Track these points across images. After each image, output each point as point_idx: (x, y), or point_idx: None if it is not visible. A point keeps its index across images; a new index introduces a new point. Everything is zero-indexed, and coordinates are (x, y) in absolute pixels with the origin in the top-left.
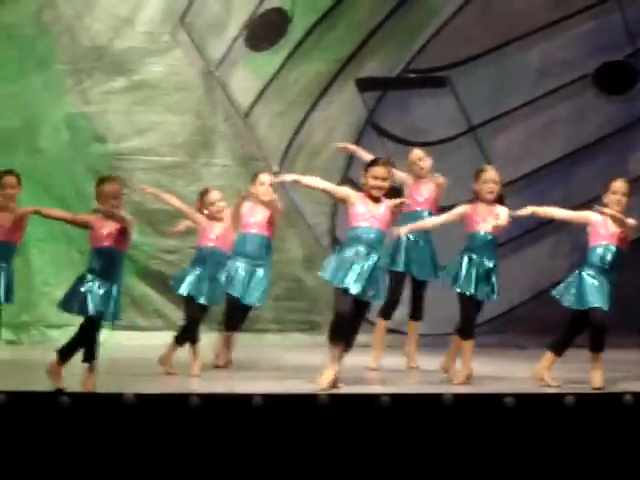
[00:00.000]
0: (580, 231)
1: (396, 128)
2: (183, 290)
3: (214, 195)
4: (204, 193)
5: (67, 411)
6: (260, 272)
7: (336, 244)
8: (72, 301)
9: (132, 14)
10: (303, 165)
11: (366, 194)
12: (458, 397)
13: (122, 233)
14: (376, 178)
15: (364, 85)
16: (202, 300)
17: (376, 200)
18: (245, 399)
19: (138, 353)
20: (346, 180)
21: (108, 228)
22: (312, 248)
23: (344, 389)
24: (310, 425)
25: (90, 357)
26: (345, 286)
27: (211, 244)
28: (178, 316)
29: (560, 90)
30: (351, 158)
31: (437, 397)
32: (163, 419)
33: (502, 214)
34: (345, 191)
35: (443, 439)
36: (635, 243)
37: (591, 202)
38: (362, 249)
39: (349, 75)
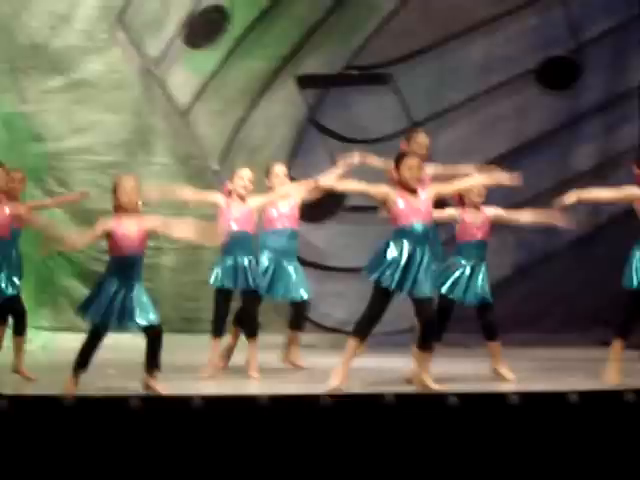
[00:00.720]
0: (525, 228)
1: (337, 125)
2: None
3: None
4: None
5: (4, 413)
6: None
7: None
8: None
9: (69, 12)
10: (243, 163)
11: (403, 188)
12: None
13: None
14: (411, 168)
15: (305, 82)
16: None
17: (414, 192)
18: (185, 401)
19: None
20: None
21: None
22: None
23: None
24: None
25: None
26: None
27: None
28: None
29: (503, 86)
30: (292, 157)
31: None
32: (103, 421)
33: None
34: (383, 190)
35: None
36: (579, 241)
37: (535, 198)
38: (410, 247)
39: (290, 72)
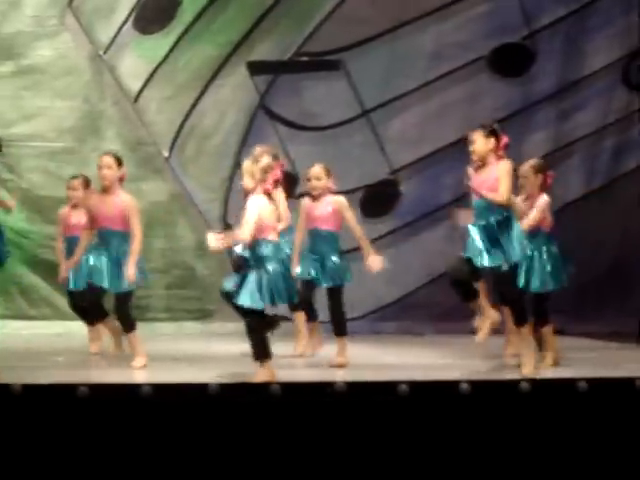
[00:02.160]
0: None
1: (288, 112)
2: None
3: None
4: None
5: None
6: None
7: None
8: None
9: None
10: (194, 150)
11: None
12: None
13: None
14: None
15: (255, 68)
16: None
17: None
18: (134, 389)
19: (27, 342)
20: (237, 165)
21: None
22: (203, 235)
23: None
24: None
25: None
26: None
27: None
28: (65, 304)
29: (454, 73)
30: (242, 143)
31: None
32: (50, 409)
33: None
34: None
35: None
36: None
37: None
38: None
39: (240, 58)
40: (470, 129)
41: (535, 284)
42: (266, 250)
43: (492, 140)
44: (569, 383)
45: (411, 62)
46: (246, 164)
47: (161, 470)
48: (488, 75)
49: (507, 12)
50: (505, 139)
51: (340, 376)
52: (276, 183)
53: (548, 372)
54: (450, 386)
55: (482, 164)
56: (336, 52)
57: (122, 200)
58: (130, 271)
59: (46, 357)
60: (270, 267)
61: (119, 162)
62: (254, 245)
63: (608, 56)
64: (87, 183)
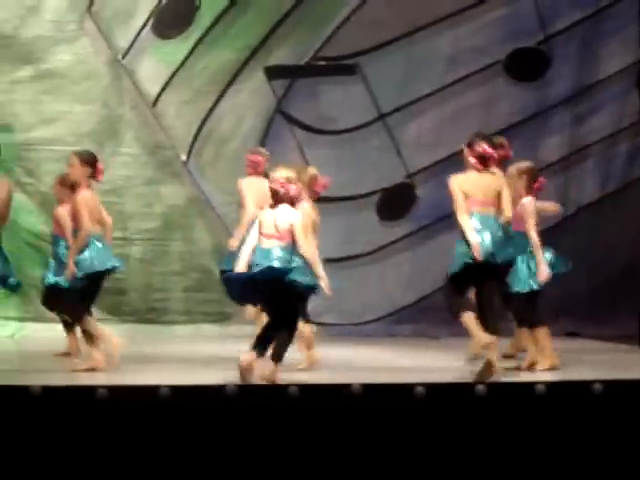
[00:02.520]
0: None
1: (305, 116)
2: None
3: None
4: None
5: None
6: None
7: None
8: None
9: (38, 2)
10: (211, 153)
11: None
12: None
13: None
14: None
15: (273, 73)
16: None
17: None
18: (152, 391)
19: (45, 345)
20: None
21: None
22: (221, 238)
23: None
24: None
25: None
26: None
27: None
28: None
29: (471, 77)
30: (260, 146)
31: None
32: (69, 411)
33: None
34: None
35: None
36: (546, 232)
37: None
38: None
39: (258, 63)
40: (486, 133)
41: (520, 285)
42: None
43: None
44: (584, 385)
45: (427, 66)
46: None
47: (179, 471)
48: (504, 79)
49: (523, 17)
50: None
51: (356, 378)
52: None
53: (561, 374)
54: (466, 388)
55: None
56: (353, 56)
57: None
58: (70, 268)
59: (64, 359)
60: None
61: (85, 161)
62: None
63: (623, 60)
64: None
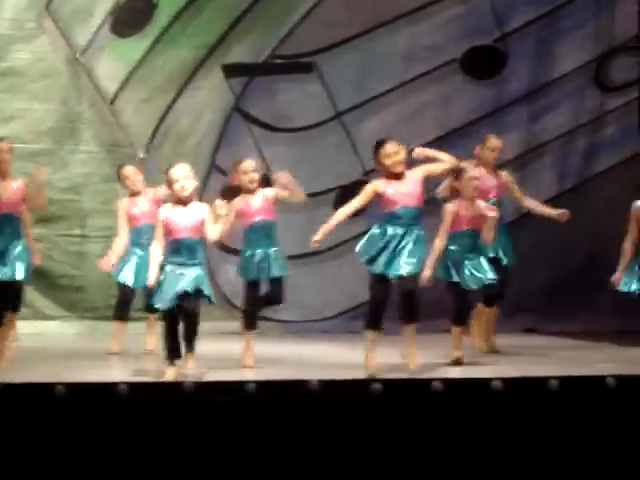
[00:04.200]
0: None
1: (263, 114)
2: None
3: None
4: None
5: None
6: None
7: None
8: None
9: None
10: (169, 151)
11: (389, 176)
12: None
13: None
14: (389, 155)
15: (231, 71)
16: None
17: (398, 177)
18: (110, 387)
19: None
20: (212, 166)
21: None
22: None
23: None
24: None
25: None
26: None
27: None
28: (44, 305)
29: (428, 75)
30: (217, 144)
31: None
32: (28, 408)
33: None
34: (371, 191)
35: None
36: (508, 227)
37: None
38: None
39: (216, 61)
40: (443, 130)
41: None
42: None
43: None
44: (541, 381)
45: (384, 64)
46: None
47: (139, 470)
48: (461, 77)
49: (479, 15)
50: None
51: (314, 374)
52: None
53: (518, 370)
54: (421, 384)
55: None
56: (310, 55)
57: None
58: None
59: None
60: None
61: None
62: None
63: (579, 58)
64: None
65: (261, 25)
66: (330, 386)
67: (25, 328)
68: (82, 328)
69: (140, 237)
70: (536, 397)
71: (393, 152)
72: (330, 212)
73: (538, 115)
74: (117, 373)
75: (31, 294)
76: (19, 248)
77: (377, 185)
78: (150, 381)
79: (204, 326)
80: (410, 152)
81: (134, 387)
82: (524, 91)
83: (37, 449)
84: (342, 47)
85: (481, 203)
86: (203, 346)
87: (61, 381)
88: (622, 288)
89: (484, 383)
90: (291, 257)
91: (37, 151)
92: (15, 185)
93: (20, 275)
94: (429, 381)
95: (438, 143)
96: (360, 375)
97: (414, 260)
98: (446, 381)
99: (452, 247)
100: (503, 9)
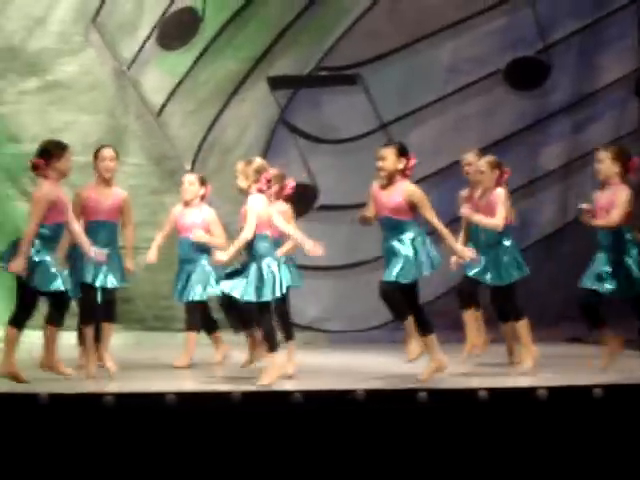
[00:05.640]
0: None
1: (308, 126)
2: None
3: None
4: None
5: None
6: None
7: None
8: None
9: (45, 14)
10: (216, 163)
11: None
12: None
13: None
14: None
15: (276, 83)
16: None
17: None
18: (158, 397)
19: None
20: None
21: None
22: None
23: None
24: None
25: None
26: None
27: None
28: None
29: (471, 86)
30: (264, 157)
31: None
32: (77, 419)
33: None
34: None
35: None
36: (547, 238)
37: None
38: None
39: (261, 73)
40: (486, 141)
41: (491, 277)
42: (263, 245)
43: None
44: (585, 390)
45: (428, 76)
46: (239, 166)
47: (187, 477)
48: (504, 88)
49: (522, 26)
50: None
51: (360, 384)
52: (269, 183)
53: (563, 379)
54: (466, 394)
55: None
56: (355, 66)
57: None
58: None
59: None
60: (267, 262)
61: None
62: (253, 241)
63: (621, 69)
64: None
65: (306, 37)
66: (376, 395)
67: (73, 339)
68: (130, 339)
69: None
70: (581, 406)
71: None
72: (375, 223)
73: (581, 126)
74: (164, 384)
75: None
76: (114, 256)
77: None
78: (198, 391)
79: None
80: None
81: (182, 397)
82: (567, 102)
83: (86, 459)
84: (386, 59)
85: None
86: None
87: (110, 392)
88: None
89: (529, 392)
90: (336, 268)
91: (85, 163)
92: (116, 194)
93: (114, 283)
94: (475, 391)
95: (481, 154)
96: (406, 385)
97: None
98: (492, 390)
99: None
100: (546, 21)
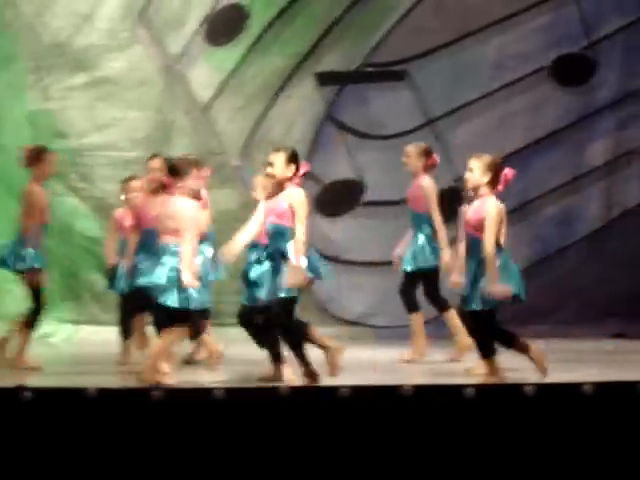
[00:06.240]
0: (540, 223)
1: (355, 122)
2: None
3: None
4: None
5: (29, 405)
6: None
7: None
8: None
9: (92, 11)
10: (262, 159)
11: None
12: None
13: None
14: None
15: (323, 79)
16: None
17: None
18: (206, 392)
19: (99, 347)
20: (304, 174)
21: None
22: None
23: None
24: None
25: None
26: None
27: None
28: None
29: (517, 83)
30: (311, 153)
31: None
32: (125, 413)
33: None
34: None
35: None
36: (593, 234)
37: (548, 193)
38: None
39: (308, 69)
40: (532, 138)
41: None
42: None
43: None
44: (630, 385)
45: (474, 72)
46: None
47: (236, 472)
48: (549, 85)
49: (568, 23)
50: None
51: (406, 379)
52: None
53: (608, 375)
54: (513, 389)
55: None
56: (402, 62)
57: None
58: None
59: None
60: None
61: None
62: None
63: None
64: None
65: (353, 33)
66: (422, 391)
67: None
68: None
69: None
70: (625, 401)
71: None
72: None
73: (626, 122)
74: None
75: None
76: None
77: None
78: (246, 387)
79: None
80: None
81: (230, 392)
82: (612, 99)
83: (137, 453)
84: (433, 55)
85: None
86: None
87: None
88: None
89: (574, 387)
90: (380, 263)
91: (132, 159)
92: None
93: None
94: (520, 386)
95: (527, 151)
96: (452, 380)
97: None
98: (537, 386)
99: None
100: (591, 17)
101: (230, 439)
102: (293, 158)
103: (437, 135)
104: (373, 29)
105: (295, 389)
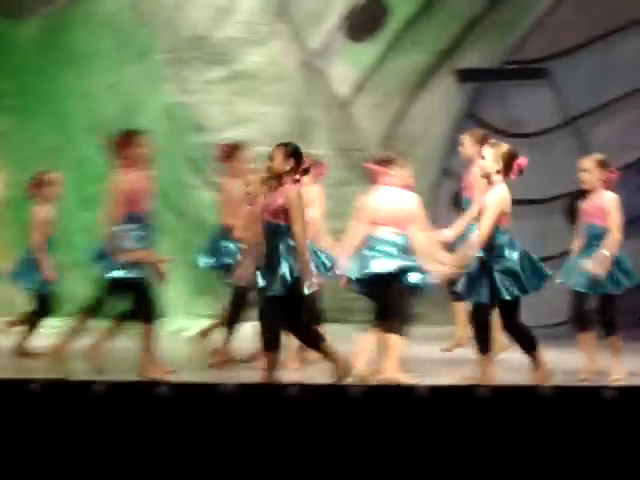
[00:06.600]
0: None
1: (495, 119)
2: None
3: None
4: None
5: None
6: None
7: None
8: None
9: (231, 4)
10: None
11: None
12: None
13: None
14: None
15: (464, 76)
16: None
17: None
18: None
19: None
20: (443, 171)
21: None
22: None
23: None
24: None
25: None
26: None
27: None
28: None
29: None
30: (450, 150)
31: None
32: (262, 408)
33: None
34: None
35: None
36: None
37: None
38: None
39: (448, 66)
40: None
41: None
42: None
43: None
44: None
45: (617, 70)
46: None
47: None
48: None
49: None
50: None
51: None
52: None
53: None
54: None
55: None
56: (543, 60)
57: None
58: None
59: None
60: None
61: None
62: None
63: None
64: None
65: (494, 31)
66: (562, 392)
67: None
68: None
69: None
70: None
71: None
72: (561, 218)
73: None
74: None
75: None
76: None
77: None
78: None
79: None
80: None
81: (304, 389)
82: None
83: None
84: (575, 53)
85: None
86: None
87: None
88: None
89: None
90: None
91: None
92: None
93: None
94: (599, 388)
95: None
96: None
97: None
98: (618, 389)
99: None
100: None
101: (243, 435)
102: (293, 153)
103: (578, 133)
104: (515, 26)
105: (369, 388)
